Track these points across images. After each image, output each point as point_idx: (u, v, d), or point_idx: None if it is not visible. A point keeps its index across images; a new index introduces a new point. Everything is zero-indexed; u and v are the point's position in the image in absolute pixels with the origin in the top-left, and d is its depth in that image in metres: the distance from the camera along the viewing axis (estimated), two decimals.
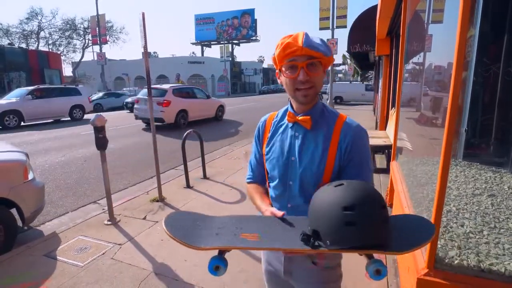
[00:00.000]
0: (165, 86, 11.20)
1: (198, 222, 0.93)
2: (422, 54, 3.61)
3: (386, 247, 0.77)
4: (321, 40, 1.00)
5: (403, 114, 3.44)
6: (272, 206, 1.10)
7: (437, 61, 3.29)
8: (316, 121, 1.06)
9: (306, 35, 0.98)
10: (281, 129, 1.14)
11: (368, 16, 7.83)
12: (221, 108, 13.00)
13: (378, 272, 0.76)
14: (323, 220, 0.79)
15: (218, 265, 0.81)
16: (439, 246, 1.42)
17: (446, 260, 1.35)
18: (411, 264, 1.54)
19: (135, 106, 11.12)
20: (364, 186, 0.82)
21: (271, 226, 0.90)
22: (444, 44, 2.79)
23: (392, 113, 5.33)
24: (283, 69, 1.04)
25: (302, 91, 1.01)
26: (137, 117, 11.16)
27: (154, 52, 66.35)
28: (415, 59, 3.61)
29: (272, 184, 1.15)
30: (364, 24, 8.17)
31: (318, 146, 1.03)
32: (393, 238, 0.81)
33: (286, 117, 1.12)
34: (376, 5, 7.29)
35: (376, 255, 0.82)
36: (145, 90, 10.69)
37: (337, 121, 1.06)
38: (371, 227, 0.75)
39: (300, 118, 1.06)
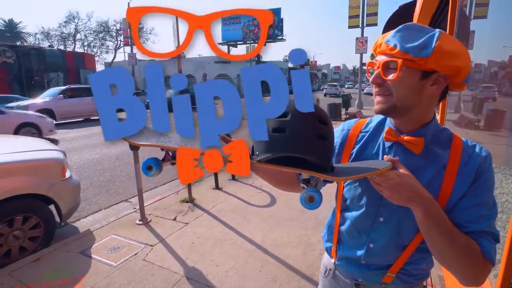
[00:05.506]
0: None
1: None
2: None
3: (321, 168, 0.68)
4: (424, 31, 0.73)
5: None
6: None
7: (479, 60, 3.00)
8: (426, 144, 0.81)
9: (404, 26, 0.75)
10: (370, 146, 0.89)
11: (404, 12, 7.46)
12: None
13: (311, 199, 0.67)
14: None
15: (150, 164, 0.81)
16: None
17: None
18: None
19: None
20: None
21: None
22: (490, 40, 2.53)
23: None
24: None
25: (376, 97, 0.81)
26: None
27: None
28: None
29: (349, 214, 0.93)
30: (399, 20, 7.80)
31: (427, 177, 0.79)
32: (340, 168, 0.77)
33: (383, 133, 0.86)
34: (412, 1, 6.94)
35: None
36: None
37: (453, 143, 0.81)
38: (302, 136, 0.66)
39: (406, 138, 0.80)
